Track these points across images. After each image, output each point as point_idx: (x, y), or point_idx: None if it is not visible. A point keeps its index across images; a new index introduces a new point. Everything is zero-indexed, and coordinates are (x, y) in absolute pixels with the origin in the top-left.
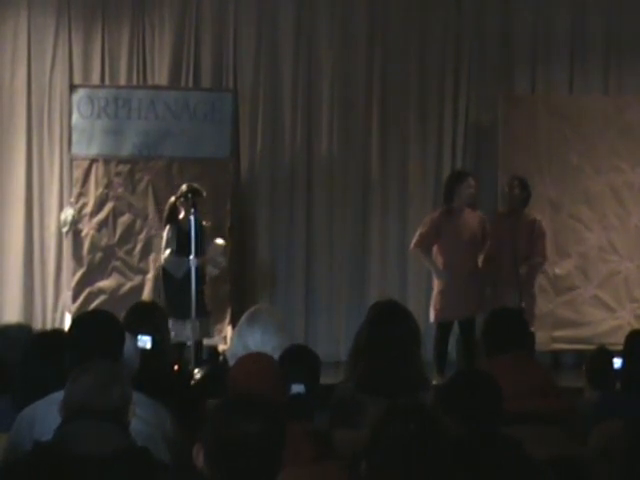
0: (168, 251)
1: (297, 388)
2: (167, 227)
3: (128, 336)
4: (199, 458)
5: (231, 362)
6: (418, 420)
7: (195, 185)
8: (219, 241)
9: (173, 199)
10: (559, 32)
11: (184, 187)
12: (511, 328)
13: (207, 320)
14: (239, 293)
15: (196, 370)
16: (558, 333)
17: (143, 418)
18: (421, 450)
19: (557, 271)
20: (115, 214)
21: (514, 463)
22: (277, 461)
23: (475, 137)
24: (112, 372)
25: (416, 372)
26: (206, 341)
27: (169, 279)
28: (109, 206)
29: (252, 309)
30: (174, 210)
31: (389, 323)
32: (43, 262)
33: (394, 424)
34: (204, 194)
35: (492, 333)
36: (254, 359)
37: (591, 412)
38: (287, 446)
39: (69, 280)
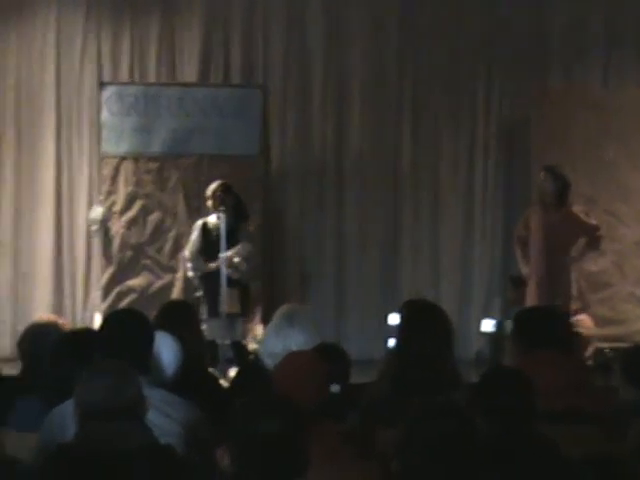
0: (187, 252)
1: (334, 388)
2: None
3: (165, 336)
4: (225, 458)
5: (267, 361)
6: (451, 419)
7: (224, 183)
8: (241, 245)
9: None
10: (594, 24)
11: (213, 185)
12: (547, 324)
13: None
14: (270, 291)
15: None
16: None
17: (173, 417)
18: (454, 450)
19: (592, 268)
20: (145, 212)
21: (550, 463)
22: (301, 460)
23: (508, 131)
24: (123, 371)
25: (449, 371)
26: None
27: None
28: (138, 204)
29: (288, 309)
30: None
31: (421, 322)
32: (72, 261)
33: (427, 423)
34: (233, 191)
35: (528, 329)
36: (300, 357)
37: (628, 410)
38: (324, 446)
39: (99, 279)
